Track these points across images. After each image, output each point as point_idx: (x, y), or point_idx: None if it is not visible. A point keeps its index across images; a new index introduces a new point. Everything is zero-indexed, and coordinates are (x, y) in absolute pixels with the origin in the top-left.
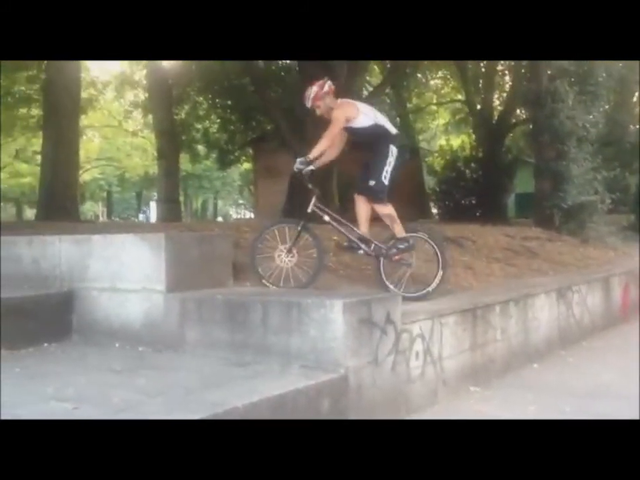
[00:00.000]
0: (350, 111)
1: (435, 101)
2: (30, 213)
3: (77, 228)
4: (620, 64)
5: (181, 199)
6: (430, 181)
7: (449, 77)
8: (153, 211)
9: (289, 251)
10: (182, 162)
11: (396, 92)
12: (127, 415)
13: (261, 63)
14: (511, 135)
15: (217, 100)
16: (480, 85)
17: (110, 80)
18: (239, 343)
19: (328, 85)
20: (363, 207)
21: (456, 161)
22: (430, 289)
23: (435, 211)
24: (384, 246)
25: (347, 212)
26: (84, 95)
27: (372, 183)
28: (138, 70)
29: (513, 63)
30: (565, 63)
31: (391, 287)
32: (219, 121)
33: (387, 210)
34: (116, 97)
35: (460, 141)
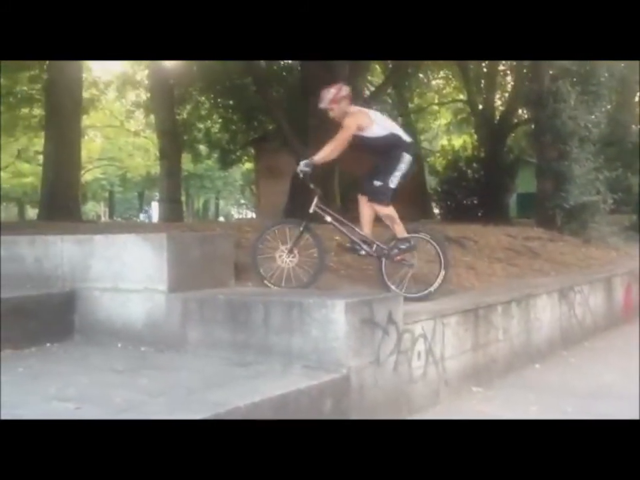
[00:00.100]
0: (362, 119)
1: (436, 101)
2: (32, 213)
3: (79, 228)
4: (622, 64)
5: (183, 198)
6: (432, 181)
7: (450, 77)
8: (154, 211)
9: (290, 251)
10: (184, 162)
11: (398, 92)
12: (129, 415)
13: (262, 62)
14: (513, 135)
15: (219, 100)
16: (482, 85)
17: (112, 80)
18: (240, 343)
19: (345, 90)
20: (366, 208)
21: (458, 161)
22: (432, 289)
23: (436, 211)
24: (385, 246)
25: (348, 212)
26: (86, 95)
27: (377, 183)
28: (140, 70)
29: (514, 63)
30: (567, 63)
31: (393, 287)
32: (220, 120)
33: (386, 211)
34: (118, 97)
35: (462, 141)
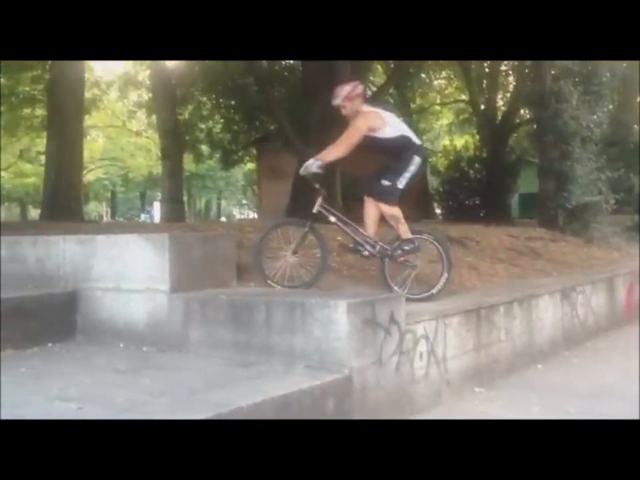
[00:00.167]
0: (374, 121)
1: (438, 101)
2: (34, 213)
3: (80, 228)
4: (624, 64)
5: (185, 199)
6: (433, 181)
7: (452, 77)
8: (156, 211)
9: (295, 251)
10: (186, 162)
11: (399, 92)
12: (131, 415)
13: (264, 63)
14: (515, 135)
15: (221, 100)
16: (484, 85)
17: (114, 80)
18: (242, 343)
19: (360, 88)
20: (371, 210)
21: (459, 161)
22: (435, 290)
23: (438, 211)
24: (389, 247)
25: (349, 212)
26: (88, 95)
27: (386, 183)
28: (142, 70)
29: (516, 63)
30: (569, 63)
31: (395, 288)
32: (222, 120)
33: (392, 211)
34: (120, 97)
35: (464, 141)
